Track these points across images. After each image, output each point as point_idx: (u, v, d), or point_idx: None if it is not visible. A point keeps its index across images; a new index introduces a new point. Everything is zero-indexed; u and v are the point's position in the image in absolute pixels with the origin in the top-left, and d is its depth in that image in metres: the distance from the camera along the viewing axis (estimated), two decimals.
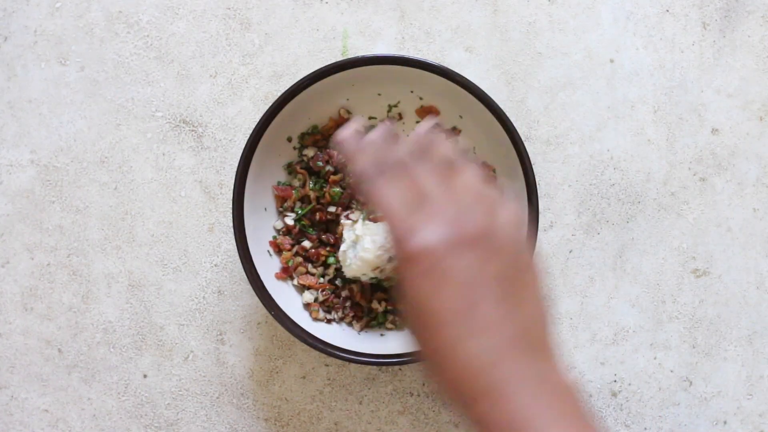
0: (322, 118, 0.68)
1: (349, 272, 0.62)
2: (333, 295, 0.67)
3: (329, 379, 0.70)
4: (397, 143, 0.50)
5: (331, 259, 0.67)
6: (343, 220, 0.65)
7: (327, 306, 0.67)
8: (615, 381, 0.70)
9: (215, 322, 0.70)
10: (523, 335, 0.44)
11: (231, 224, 0.69)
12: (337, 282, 0.67)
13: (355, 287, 0.67)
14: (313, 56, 0.71)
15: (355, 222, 0.63)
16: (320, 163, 0.67)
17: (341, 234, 0.65)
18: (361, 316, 0.67)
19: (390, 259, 0.60)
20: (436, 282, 0.44)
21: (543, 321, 0.46)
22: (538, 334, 0.45)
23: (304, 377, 0.70)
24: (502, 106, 0.63)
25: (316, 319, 0.66)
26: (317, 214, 0.67)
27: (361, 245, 0.61)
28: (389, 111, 0.68)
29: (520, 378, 0.43)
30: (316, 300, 0.67)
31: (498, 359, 0.43)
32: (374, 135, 0.50)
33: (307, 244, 0.67)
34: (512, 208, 0.47)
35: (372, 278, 0.62)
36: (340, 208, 0.66)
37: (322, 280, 0.67)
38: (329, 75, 0.63)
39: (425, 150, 0.49)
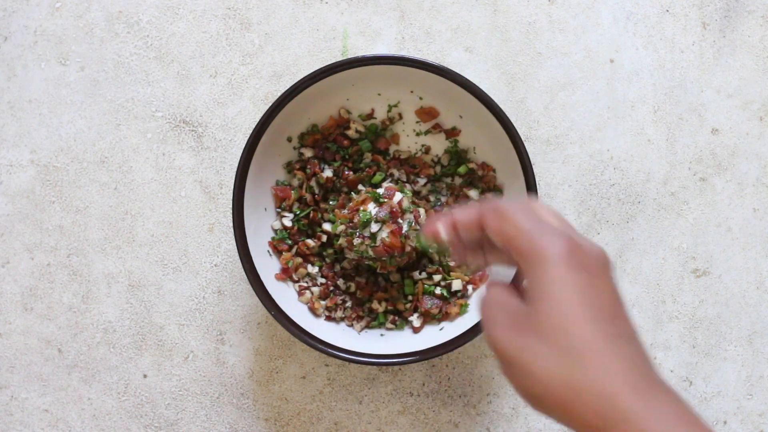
0: (322, 118, 0.68)
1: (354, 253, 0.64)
2: (334, 288, 0.67)
3: (329, 379, 0.70)
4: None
5: (327, 225, 0.67)
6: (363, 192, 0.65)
7: (326, 300, 0.67)
8: None
9: (215, 322, 0.70)
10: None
11: (231, 224, 0.69)
12: (339, 282, 0.67)
13: (358, 282, 0.67)
14: (313, 56, 0.71)
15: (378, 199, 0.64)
16: (309, 170, 0.67)
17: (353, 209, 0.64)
18: (362, 317, 0.67)
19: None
20: (580, 405, 0.44)
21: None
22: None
23: (304, 377, 0.70)
24: (502, 106, 0.63)
25: (316, 315, 0.66)
26: (311, 213, 0.67)
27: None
28: (389, 111, 0.68)
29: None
30: (315, 294, 0.67)
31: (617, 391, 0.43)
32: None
33: (310, 242, 0.67)
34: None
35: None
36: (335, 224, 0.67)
37: (319, 271, 0.67)
38: (329, 75, 0.63)
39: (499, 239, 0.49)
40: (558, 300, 0.45)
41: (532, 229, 0.46)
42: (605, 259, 0.47)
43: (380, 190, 0.64)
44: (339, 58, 0.71)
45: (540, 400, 0.45)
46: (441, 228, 0.51)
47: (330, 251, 0.68)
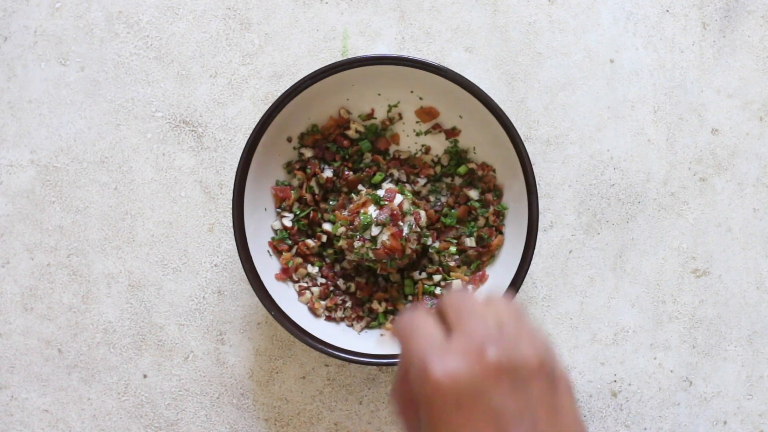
0: (322, 118, 0.68)
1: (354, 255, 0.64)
2: (334, 288, 0.67)
3: (329, 379, 0.70)
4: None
5: (327, 226, 0.67)
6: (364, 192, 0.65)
7: (326, 300, 0.67)
8: (615, 381, 0.70)
9: (215, 322, 0.70)
10: None
11: (231, 224, 0.69)
12: (339, 282, 0.67)
13: (358, 282, 0.67)
14: (313, 56, 0.71)
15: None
16: (309, 170, 0.67)
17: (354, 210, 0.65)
18: (362, 317, 0.67)
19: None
20: (467, 415, 0.42)
21: None
22: None
23: (304, 377, 0.70)
24: (502, 106, 0.63)
25: (316, 315, 0.66)
26: (311, 213, 0.67)
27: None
28: (389, 111, 0.68)
29: None
30: (314, 294, 0.67)
31: None
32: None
33: (310, 242, 0.67)
34: (542, 336, 0.46)
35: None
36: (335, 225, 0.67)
37: (318, 271, 0.67)
38: (329, 75, 0.63)
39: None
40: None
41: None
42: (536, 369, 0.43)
43: (380, 192, 0.64)
44: (339, 58, 0.71)
45: None
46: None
47: (330, 251, 0.68)
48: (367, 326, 0.67)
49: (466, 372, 0.42)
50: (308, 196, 0.67)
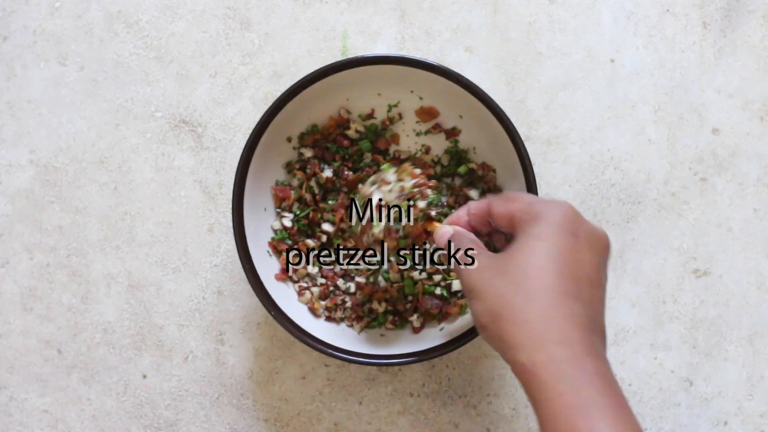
0: (322, 118, 0.67)
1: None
2: (334, 288, 0.67)
3: (329, 380, 0.70)
4: None
5: (327, 226, 0.66)
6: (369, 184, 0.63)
7: (326, 300, 0.67)
8: None
9: (215, 322, 0.70)
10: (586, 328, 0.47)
11: (231, 224, 0.69)
12: (339, 282, 0.67)
13: (358, 282, 0.67)
14: (313, 56, 0.71)
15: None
16: (308, 170, 0.66)
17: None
18: (362, 317, 0.67)
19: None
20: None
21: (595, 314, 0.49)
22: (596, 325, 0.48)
23: (303, 377, 0.70)
24: (502, 106, 0.63)
25: (316, 315, 0.66)
26: (311, 214, 0.67)
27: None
28: (389, 111, 0.68)
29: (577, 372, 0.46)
30: (314, 294, 0.67)
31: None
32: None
33: (310, 242, 0.67)
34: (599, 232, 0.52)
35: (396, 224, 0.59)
36: (334, 226, 0.66)
37: (317, 270, 0.67)
38: (329, 75, 0.63)
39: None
40: (532, 249, 0.48)
41: (533, 201, 0.51)
42: (603, 240, 0.50)
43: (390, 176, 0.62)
44: (339, 58, 0.71)
45: (485, 327, 0.49)
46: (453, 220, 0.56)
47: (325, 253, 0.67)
48: (367, 326, 0.67)
49: (509, 305, 0.48)
50: (308, 196, 0.67)
